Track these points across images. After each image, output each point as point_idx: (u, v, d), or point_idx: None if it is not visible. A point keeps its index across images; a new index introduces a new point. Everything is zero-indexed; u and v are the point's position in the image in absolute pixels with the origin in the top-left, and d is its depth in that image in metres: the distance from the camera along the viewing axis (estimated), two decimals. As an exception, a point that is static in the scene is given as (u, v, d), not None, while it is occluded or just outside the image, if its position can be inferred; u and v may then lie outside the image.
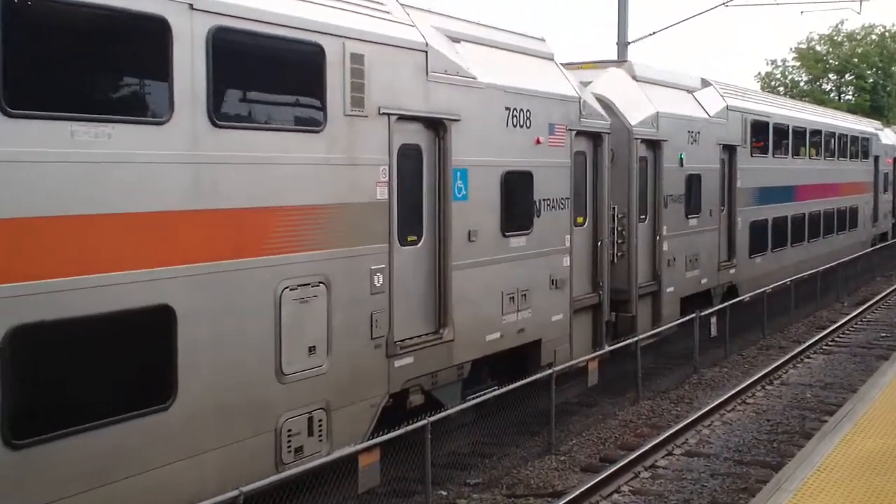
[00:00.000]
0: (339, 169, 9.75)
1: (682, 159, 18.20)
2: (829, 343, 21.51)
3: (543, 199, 13.57)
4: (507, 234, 12.69)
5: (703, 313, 18.44)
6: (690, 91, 19.78)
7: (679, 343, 19.32)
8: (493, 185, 12.42)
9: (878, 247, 34.81)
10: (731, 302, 19.87)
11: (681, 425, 14.08)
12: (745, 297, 21.15)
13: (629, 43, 29.28)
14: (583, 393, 15.87)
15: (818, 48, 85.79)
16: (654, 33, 30.17)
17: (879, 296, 28.45)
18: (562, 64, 16.30)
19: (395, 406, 10.94)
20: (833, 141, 29.52)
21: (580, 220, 14.97)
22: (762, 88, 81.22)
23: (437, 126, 11.36)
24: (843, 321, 23.87)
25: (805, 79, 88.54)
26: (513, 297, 12.81)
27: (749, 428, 14.57)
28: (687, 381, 17.69)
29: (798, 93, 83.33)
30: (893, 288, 30.28)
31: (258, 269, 8.82)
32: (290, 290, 9.16)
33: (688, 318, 18.03)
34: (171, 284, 8.03)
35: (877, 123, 38.49)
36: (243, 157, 8.67)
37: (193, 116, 8.19)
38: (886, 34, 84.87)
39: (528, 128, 13.09)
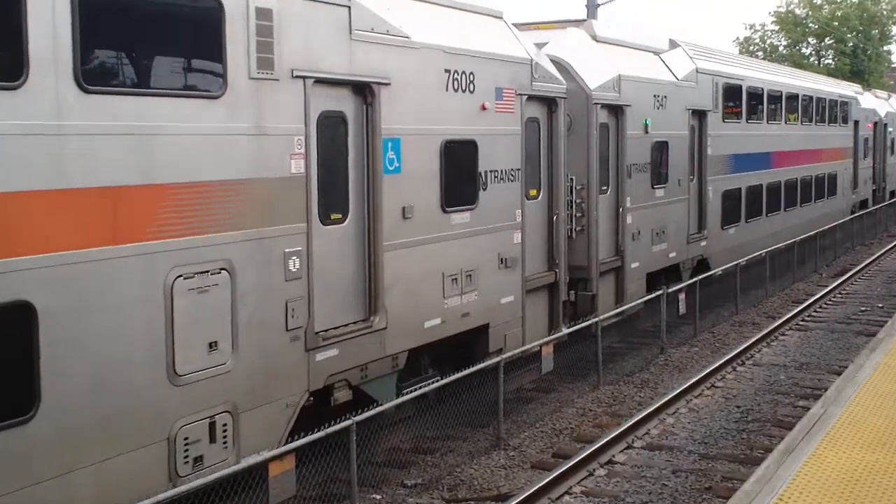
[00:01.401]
0: (242, 140, 8.57)
1: (647, 125, 17.07)
2: (806, 318, 20.53)
3: (490, 171, 12.43)
4: (448, 209, 11.55)
5: (670, 289, 17.39)
6: (657, 53, 18.60)
7: (646, 321, 18.32)
8: (432, 156, 11.27)
9: (857, 214, 33.86)
10: (700, 277, 18.82)
11: (642, 414, 13.03)
12: (717, 271, 20.11)
13: (599, 5, 28.10)
14: (539, 379, 14.83)
15: (797, 11, 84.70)
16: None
17: (859, 266, 27.51)
18: (518, 24, 15.15)
19: (319, 404, 9.85)
20: (810, 105, 28.43)
21: (533, 192, 13.84)
22: (741, 53, 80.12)
23: (364, 91, 10.18)
24: (821, 294, 22.89)
25: (784, 43, 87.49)
26: (455, 279, 11.70)
27: (717, 416, 13.56)
28: (653, 362, 16.68)
29: (777, 57, 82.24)
30: (874, 257, 29.37)
31: (142, 257, 7.66)
32: (185, 278, 8.00)
33: (654, 294, 16.98)
34: (30, 277, 6.86)
35: (856, 87, 37.44)
36: (120, 128, 7.47)
37: (56, 79, 6.99)
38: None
39: (471, 92, 11.91)
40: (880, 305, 21.74)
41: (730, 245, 21.43)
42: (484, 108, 12.18)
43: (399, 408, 11.12)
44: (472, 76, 11.90)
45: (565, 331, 14.35)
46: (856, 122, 33.75)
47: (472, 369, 11.56)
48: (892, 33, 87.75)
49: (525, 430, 12.93)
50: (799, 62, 79.24)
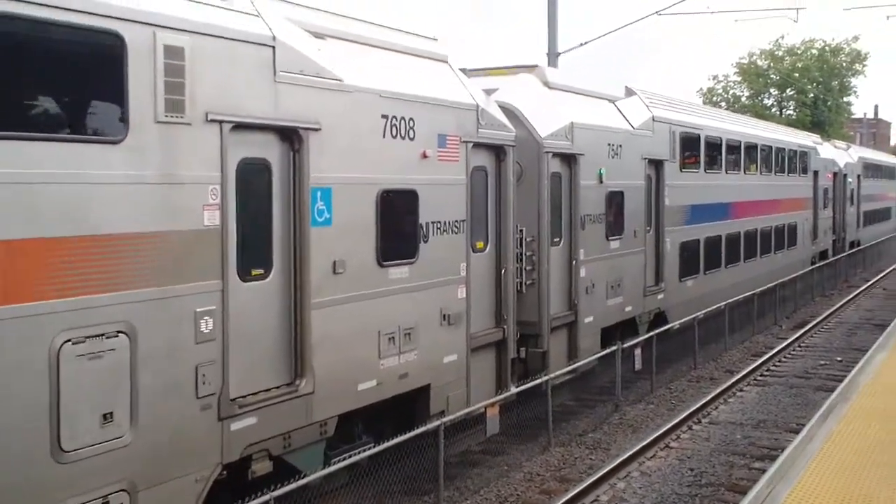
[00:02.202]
0: (147, 189, 7.82)
1: (601, 175, 16.52)
2: (765, 373, 19.96)
3: (432, 222, 11.75)
4: (384, 263, 10.83)
5: (625, 345, 16.74)
6: (612, 100, 18.12)
7: (602, 377, 17.64)
8: (367, 207, 10.57)
9: (818, 265, 33.56)
10: (657, 331, 18.19)
11: (591, 480, 12.30)
12: (674, 324, 19.50)
13: (560, 53, 27.74)
14: (487, 441, 14.06)
15: (759, 63, 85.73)
16: (584, 43, 28.73)
17: (819, 318, 27.08)
18: (468, 69, 14.61)
19: (236, 477, 9.02)
20: (770, 155, 28.16)
21: (480, 245, 13.17)
22: (704, 103, 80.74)
23: (291, 137, 9.49)
24: (781, 347, 22.39)
25: (747, 94, 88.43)
26: (393, 338, 10.95)
27: (670, 479, 12.85)
28: (607, 420, 15.96)
29: (740, 107, 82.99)
30: (833, 308, 28.99)
31: (24, 319, 6.86)
32: (74, 343, 7.20)
33: (609, 350, 16.30)
34: None
35: (816, 137, 37.35)
36: (1, 175, 6.71)
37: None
38: (826, 49, 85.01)
39: (411, 139, 11.26)
40: (839, 359, 21.23)
41: (688, 297, 20.87)
42: (425, 156, 11.53)
43: (330, 478, 10.28)
44: (412, 122, 11.25)
45: (514, 390, 13.61)
46: (815, 173, 33.57)
47: (407, 435, 10.77)
48: (852, 85, 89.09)
49: (468, 497, 12.16)
50: (761, 113, 79.97)
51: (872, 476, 8.57)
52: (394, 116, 10.94)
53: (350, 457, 10.24)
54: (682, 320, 19.94)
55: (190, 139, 8.19)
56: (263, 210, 9.28)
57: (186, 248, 8.17)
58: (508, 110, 14.37)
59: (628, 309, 17.74)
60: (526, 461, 13.59)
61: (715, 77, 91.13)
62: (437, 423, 11.32)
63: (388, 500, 11.57)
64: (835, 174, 37.44)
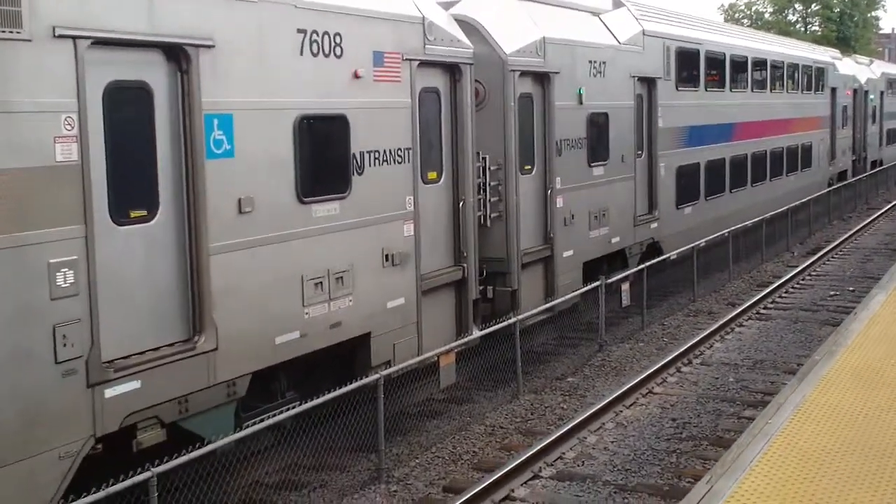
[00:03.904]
0: (-28, 119, 6.54)
1: (581, 95, 15.03)
2: (769, 305, 18.59)
3: (369, 152, 10.42)
4: (306, 199, 9.53)
5: (610, 280, 15.43)
6: (597, 13, 16.55)
7: (588, 313, 16.37)
8: (282, 136, 9.24)
9: (835, 187, 31.87)
10: (647, 264, 16.82)
11: (558, 434, 11.09)
12: (668, 255, 18.13)
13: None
14: (456, 387, 12.90)
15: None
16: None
17: (834, 243, 25.57)
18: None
19: (123, 447, 7.89)
20: (781, 71, 26.38)
21: (432, 175, 11.83)
22: (725, 20, 78.13)
23: (178, 56, 8.14)
24: (789, 276, 20.96)
25: (770, 10, 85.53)
26: (321, 283, 9.71)
27: (647, 432, 11.62)
28: (589, 362, 14.73)
29: (763, 24, 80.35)
30: (850, 233, 27.45)
31: None
32: None
33: (590, 286, 14.99)
34: None
35: (834, 52, 35.36)
36: None
37: None
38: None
39: (338, 57, 9.87)
40: (851, 289, 19.81)
41: (686, 226, 19.46)
42: (357, 77, 10.15)
43: (246, 441, 9.14)
44: (338, 38, 9.85)
45: (476, 334, 12.37)
46: (833, 90, 31.70)
47: (332, 394, 9.55)
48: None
49: (419, 454, 10.99)
50: (785, 29, 77.36)
51: (834, 471, 7.02)
52: (314, 31, 9.54)
53: (267, 418, 9.06)
54: (680, 250, 18.55)
55: (31, 59, 6.87)
56: (144, 141, 7.98)
57: (32, 188, 6.90)
58: (468, 24, 12.93)
59: (615, 240, 16.38)
60: (491, 411, 12.41)
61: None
62: (374, 376, 10.10)
63: (329, 457, 10.46)
64: (855, 91, 35.48)
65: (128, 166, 7.79)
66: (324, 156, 9.81)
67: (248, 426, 8.86)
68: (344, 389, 9.62)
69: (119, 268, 7.68)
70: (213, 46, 8.35)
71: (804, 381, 8.97)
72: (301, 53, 9.40)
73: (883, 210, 32.64)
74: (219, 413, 8.66)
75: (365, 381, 9.98)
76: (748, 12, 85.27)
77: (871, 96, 38.65)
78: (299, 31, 9.37)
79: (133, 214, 7.87)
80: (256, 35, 8.84)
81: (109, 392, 7.52)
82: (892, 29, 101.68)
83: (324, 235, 9.76)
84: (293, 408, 9.39)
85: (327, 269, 9.78)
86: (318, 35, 9.58)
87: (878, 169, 39.55)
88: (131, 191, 7.85)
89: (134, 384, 7.72)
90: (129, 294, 7.79)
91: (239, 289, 8.72)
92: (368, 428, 10.42)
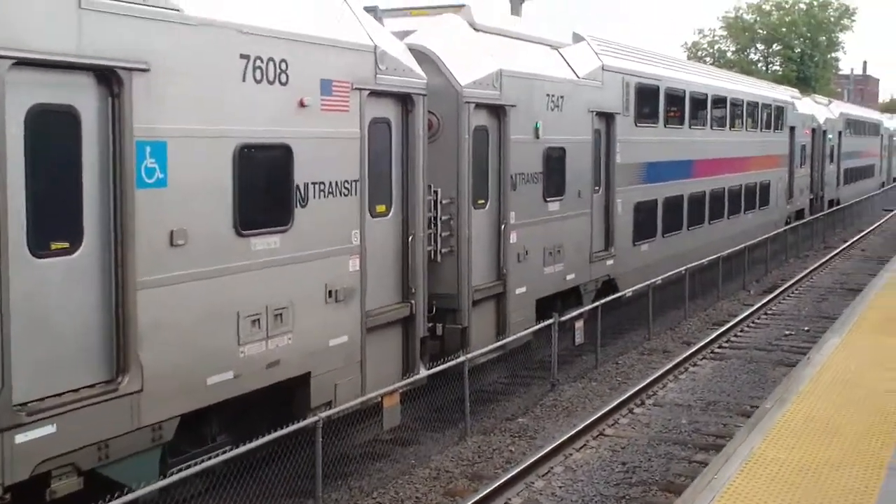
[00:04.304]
0: None
1: (538, 129, 14.76)
2: (724, 344, 18.39)
3: (313, 183, 10.02)
4: (245, 232, 9.11)
5: (563, 317, 15.11)
6: (556, 47, 16.33)
7: (542, 351, 16.02)
8: (220, 165, 8.83)
9: (792, 225, 31.94)
10: (601, 301, 16.54)
11: (504, 479, 10.71)
12: (624, 293, 17.87)
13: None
14: (402, 428, 12.47)
15: (746, 17, 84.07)
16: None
17: (790, 281, 25.52)
18: (389, 10, 12.89)
19: (35, 496, 7.38)
20: (740, 110, 26.40)
21: (381, 208, 11.46)
22: (689, 58, 78.91)
23: (109, 79, 7.72)
24: (745, 315, 20.82)
25: (732, 49, 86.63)
26: (258, 320, 9.27)
27: (596, 477, 11.27)
28: (541, 402, 14.37)
29: (725, 63, 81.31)
30: (807, 271, 27.44)
31: None
32: None
33: (542, 325, 14.67)
34: None
35: (793, 91, 35.58)
36: None
37: None
38: (814, 3, 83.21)
39: (283, 84, 9.50)
40: (806, 329, 19.70)
41: (643, 263, 19.24)
42: (303, 105, 9.78)
43: (179, 486, 8.65)
44: (283, 64, 9.48)
45: (423, 373, 11.97)
46: (792, 129, 31.86)
47: (265, 438, 9.08)
48: (839, 40, 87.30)
49: (360, 501, 10.56)
50: (746, 68, 78.31)
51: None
52: (258, 57, 9.17)
53: (195, 464, 8.58)
54: (635, 288, 18.31)
55: (-58, 79, 6.43)
56: (69, 169, 7.54)
57: (-62, 217, 6.44)
58: (423, 54, 12.62)
59: (570, 277, 16.09)
60: (437, 454, 12.00)
61: (700, 31, 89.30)
62: (312, 419, 9.65)
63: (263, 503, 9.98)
64: (813, 130, 35.73)
65: (50, 195, 7.35)
66: (265, 187, 9.41)
67: (174, 473, 8.37)
68: (279, 433, 9.17)
69: (36, 303, 7.21)
70: (148, 70, 7.95)
71: (754, 432, 8.65)
72: (243, 80, 9.01)
73: (839, 249, 32.75)
74: (143, 459, 8.17)
75: (301, 424, 9.53)
76: (711, 50, 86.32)
77: (830, 136, 38.99)
78: (242, 56, 8.98)
79: (54, 246, 7.41)
80: (195, 59, 8.44)
81: (20, 437, 7.03)
82: (851, 70, 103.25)
83: (263, 270, 9.33)
84: (224, 452, 8.92)
85: (266, 305, 9.35)
86: (262, 61, 9.20)
87: (835, 208, 39.81)
88: (53, 221, 7.40)
89: (48, 429, 7.23)
90: (47, 331, 7.31)
91: (168, 326, 8.27)
92: (307, 472, 9.97)
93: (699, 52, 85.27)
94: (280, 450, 9.73)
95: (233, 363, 8.98)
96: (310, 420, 9.64)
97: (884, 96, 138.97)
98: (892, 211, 47.48)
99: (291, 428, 9.39)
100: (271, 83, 9.35)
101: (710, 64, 77.37)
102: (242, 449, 8.87)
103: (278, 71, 9.43)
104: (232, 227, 8.95)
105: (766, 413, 9.25)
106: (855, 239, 35.94)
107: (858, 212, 43.76)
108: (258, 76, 9.18)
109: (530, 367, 15.95)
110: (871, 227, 39.97)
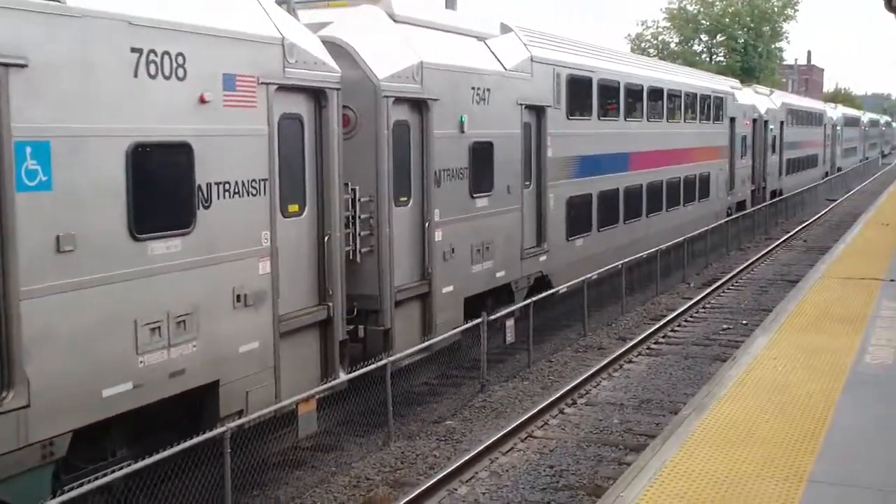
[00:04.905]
0: None
1: (463, 123, 14.42)
2: (660, 340, 18.21)
3: (217, 183, 9.59)
4: (142, 236, 8.66)
5: (493, 316, 14.81)
6: (482, 38, 15.99)
7: (474, 351, 15.70)
8: (112, 166, 8.36)
9: (733, 217, 31.96)
10: (533, 299, 16.26)
11: (425, 486, 10.37)
12: (558, 289, 17.62)
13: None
14: (326, 433, 12.10)
15: (689, 7, 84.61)
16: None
17: (731, 274, 25.47)
18: (306, 0, 12.46)
19: None
20: (678, 101, 26.29)
21: (294, 208, 11.05)
22: (633, 50, 79.18)
23: (-22, 76, 7.24)
24: (683, 308, 20.67)
25: (676, 40, 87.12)
26: (158, 328, 8.82)
27: (522, 481, 10.96)
28: (470, 403, 14.05)
29: (669, 54, 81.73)
30: (747, 263, 27.44)
31: None
32: None
33: (471, 324, 14.34)
34: None
35: (734, 81, 35.64)
36: None
37: None
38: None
39: (180, 79, 9.05)
40: (745, 322, 19.58)
41: (578, 258, 19.00)
42: (204, 101, 9.34)
43: (79, 502, 8.18)
44: (181, 58, 9.03)
45: (343, 377, 11.58)
46: (732, 119, 31.87)
47: (166, 452, 8.64)
48: (783, 30, 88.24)
49: (275, 512, 10.16)
50: (690, 59, 78.76)
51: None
52: (152, 51, 8.71)
53: (92, 480, 8.12)
54: (569, 284, 18.05)
55: None
56: (-65, 172, 7.05)
57: None
58: (338, 47, 12.23)
59: (500, 275, 15.78)
60: (359, 460, 11.62)
61: (644, 23, 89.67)
62: (220, 429, 9.22)
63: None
64: (754, 121, 35.82)
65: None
66: (163, 188, 8.96)
67: (66, 490, 7.91)
68: (180, 447, 8.73)
69: None
70: (27, 66, 7.48)
71: (669, 441, 8.33)
72: (136, 75, 8.55)
73: (781, 240, 32.85)
74: (32, 477, 7.70)
75: (208, 435, 9.09)
76: (654, 42, 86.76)
77: (772, 126, 39.14)
78: (134, 50, 8.52)
79: (-80, 255, 6.93)
80: (80, 54, 7.98)
81: None
82: (796, 60, 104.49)
83: (163, 275, 8.89)
84: (124, 467, 8.47)
85: (167, 311, 8.91)
86: (156, 55, 8.75)
87: (777, 199, 39.99)
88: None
89: (-86, 451, 6.76)
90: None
91: (57, 337, 7.81)
92: (219, 484, 9.53)
93: (643, 44, 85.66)
94: (190, 462, 9.29)
95: (131, 374, 8.53)
96: (217, 431, 9.21)
97: (828, 86, 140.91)
98: (835, 201, 47.88)
99: (196, 440, 8.95)
100: (167, 78, 8.90)
101: (654, 56, 77.80)
102: (142, 463, 8.43)
103: (175, 65, 8.97)
104: (126, 231, 8.49)
105: (685, 420, 8.95)
106: (797, 230, 36.08)
107: (801, 202, 44.01)
108: (152, 71, 8.72)
109: (462, 367, 15.64)
110: (814, 218, 40.19)
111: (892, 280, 17.01)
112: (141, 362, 8.64)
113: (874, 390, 10.16)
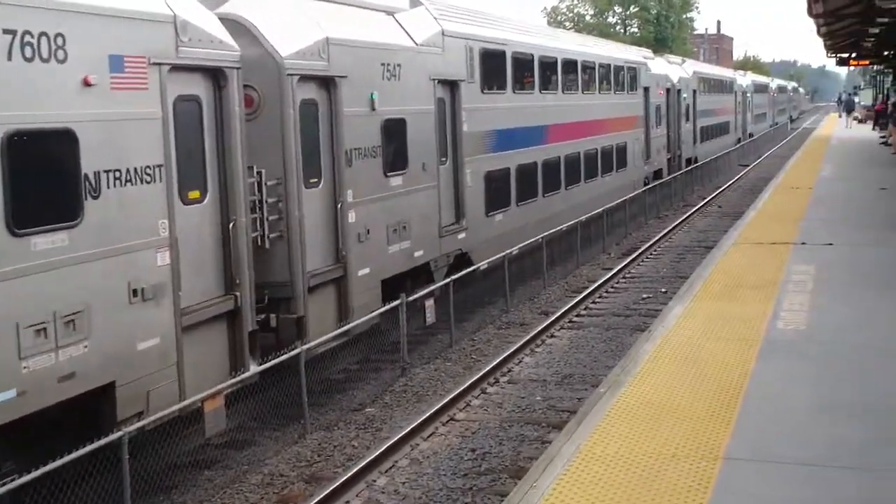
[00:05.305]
0: None
1: (373, 101, 13.93)
2: (582, 312, 18.02)
3: (107, 171, 8.97)
4: (22, 231, 8.04)
5: (411, 297, 14.41)
6: (391, 12, 15.49)
7: (394, 333, 15.28)
8: (-20, 156, 7.72)
9: (650, 186, 32.05)
10: (452, 278, 15.91)
11: (342, 479, 9.96)
12: (478, 266, 17.30)
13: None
14: (240, 429, 11.59)
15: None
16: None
17: (649, 243, 25.48)
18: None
19: None
20: (593, 72, 26.13)
21: (194, 194, 10.47)
22: (549, 23, 79.26)
23: None
24: (604, 280, 20.54)
25: (591, 13, 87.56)
26: (44, 329, 8.21)
27: (444, 467, 10.62)
28: (390, 388, 13.66)
29: (584, 27, 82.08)
30: (666, 230, 27.53)
31: None
32: None
33: (388, 306, 13.92)
34: None
35: (646, 52, 35.71)
36: None
37: None
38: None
39: (61, 62, 8.41)
40: (663, 290, 19.52)
41: (498, 233, 18.70)
42: (88, 84, 8.71)
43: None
44: (60, 39, 8.39)
45: (253, 370, 11.08)
46: (646, 89, 31.89)
47: (54, 464, 8.06)
48: (694, 1, 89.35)
49: (184, 515, 9.65)
50: (605, 31, 79.22)
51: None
52: (27, 32, 8.06)
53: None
54: (490, 260, 17.75)
55: None
56: None
57: None
58: (238, 24, 11.64)
59: (419, 254, 15.38)
60: (273, 456, 11.14)
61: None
62: (116, 434, 8.65)
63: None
64: (668, 90, 35.96)
65: None
66: (45, 178, 8.33)
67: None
68: (72, 456, 8.16)
69: None
70: None
71: (584, 422, 8.04)
72: (9, 58, 7.90)
73: (697, 206, 33.08)
74: None
75: (101, 441, 8.52)
76: (570, 15, 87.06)
77: (684, 95, 39.37)
78: (6, 31, 7.87)
79: None
80: (-59, 36, 7.31)
81: None
82: (706, 29, 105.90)
83: (48, 272, 8.27)
84: (10, 482, 7.87)
85: (53, 311, 8.30)
86: (31, 36, 8.10)
87: (692, 166, 40.31)
88: None
89: None
90: None
91: (-74, 345, 7.18)
92: (117, 491, 8.98)
93: (559, 17, 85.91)
94: (86, 471, 8.73)
95: (14, 381, 7.93)
96: (113, 436, 8.64)
97: (738, 54, 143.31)
98: (747, 166, 48.53)
99: (89, 448, 8.38)
100: (46, 61, 8.25)
101: (570, 28, 78.01)
102: (28, 477, 7.83)
103: (54, 47, 8.33)
104: (4, 226, 7.86)
105: (600, 399, 8.67)
106: (713, 196, 36.40)
107: (716, 168, 44.48)
108: (28, 53, 8.07)
109: (383, 350, 15.21)
110: (729, 183, 40.63)
111: (802, 243, 17.07)
112: (25, 368, 8.04)
113: (788, 357, 10.03)
